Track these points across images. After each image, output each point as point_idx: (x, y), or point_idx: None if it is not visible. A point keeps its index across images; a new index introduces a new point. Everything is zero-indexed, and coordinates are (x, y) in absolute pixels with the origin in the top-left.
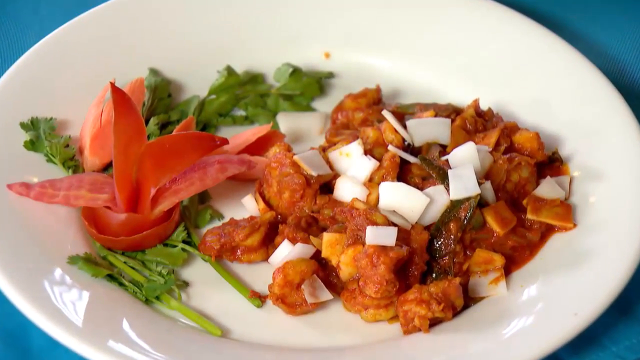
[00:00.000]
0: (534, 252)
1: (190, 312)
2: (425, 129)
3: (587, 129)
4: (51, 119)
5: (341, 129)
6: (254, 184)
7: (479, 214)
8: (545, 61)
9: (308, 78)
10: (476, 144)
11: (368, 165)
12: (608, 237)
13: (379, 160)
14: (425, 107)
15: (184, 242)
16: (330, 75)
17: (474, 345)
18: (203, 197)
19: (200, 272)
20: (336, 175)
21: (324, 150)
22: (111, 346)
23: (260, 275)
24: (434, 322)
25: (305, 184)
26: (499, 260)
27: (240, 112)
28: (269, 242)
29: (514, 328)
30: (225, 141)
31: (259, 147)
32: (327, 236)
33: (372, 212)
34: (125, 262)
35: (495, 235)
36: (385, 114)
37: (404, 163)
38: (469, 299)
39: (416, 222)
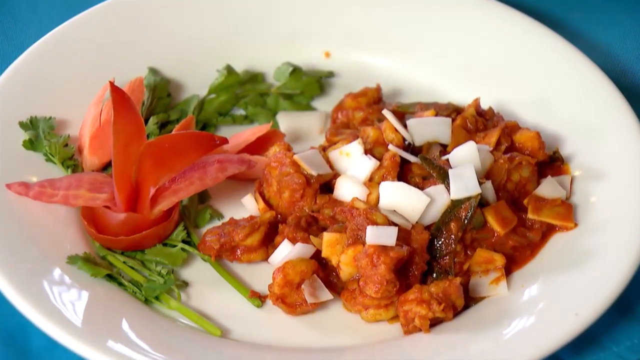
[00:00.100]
0: (535, 252)
1: (189, 312)
2: (426, 129)
3: (588, 128)
4: (50, 118)
5: (341, 128)
6: (253, 183)
7: (480, 213)
8: (546, 60)
9: (308, 77)
10: (477, 143)
11: (368, 164)
12: (609, 237)
13: (379, 159)
14: (425, 106)
15: (183, 241)
16: (331, 74)
17: (474, 346)
18: (203, 197)
19: (199, 272)
20: (336, 175)
21: (324, 149)
22: (110, 346)
23: (260, 275)
24: (434, 322)
25: (305, 183)
26: (499, 260)
27: (240, 112)
28: (268, 242)
29: (514, 328)
30: (225, 140)
31: (258, 146)
32: (327, 236)
33: (372, 212)
34: (124, 262)
35: (496, 235)
36: (386, 113)
37: (404, 162)
38: (470, 299)
39: (417, 222)
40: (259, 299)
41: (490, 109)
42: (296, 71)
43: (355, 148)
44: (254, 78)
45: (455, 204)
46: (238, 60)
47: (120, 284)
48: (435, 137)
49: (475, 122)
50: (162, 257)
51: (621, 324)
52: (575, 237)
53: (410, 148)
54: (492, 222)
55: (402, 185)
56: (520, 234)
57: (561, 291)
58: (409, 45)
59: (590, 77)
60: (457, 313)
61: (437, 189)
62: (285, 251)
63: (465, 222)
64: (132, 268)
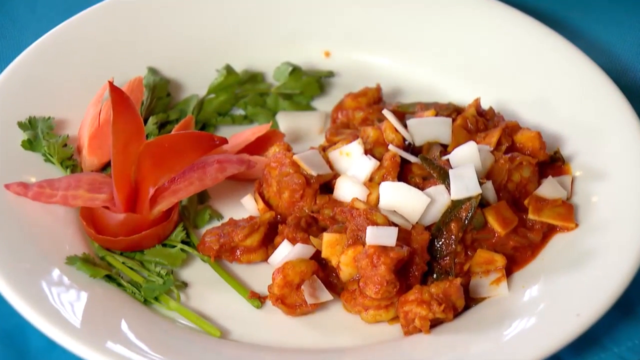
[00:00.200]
0: (536, 253)
1: (189, 312)
2: (426, 129)
3: (589, 128)
4: (49, 118)
5: (341, 128)
6: (253, 183)
7: (480, 214)
8: (546, 60)
9: (308, 77)
10: (477, 143)
11: (368, 164)
12: (610, 237)
13: (380, 159)
14: (426, 106)
15: (182, 242)
16: (330, 74)
17: (475, 346)
18: (202, 197)
19: (199, 273)
20: (336, 175)
21: (324, 149)
22: (109, 347)
23: (260, 275)
24: (434, 323)
25: (305, 183)
26: (500, 260)
27: (240, 112)
28: (268, 243)
29: (515, 329)
30: (224, 141)
31: (258, 146)
32: (327, 236)
33: (372, 212)
34: (123, 263)
35: (496, 235)
36: (386, 113)
37: (404, 163)
38: (470, 299)
39: (417, 222)
40: (258, 299)
41: (491, 108)
42: (296, 71)
43: (355, 148)
44: (254, 78)
45: (456, 205)
46: (237, 60)
47: (120, 285)
48: (435, 137)
49: (476, 122)
50: (162, 258)
51: (622, 324)
52: (576, 238)
53: (411, 148)
54: (493, 222)
55: (402, 185)
56: (521, 234)
57: (562, 292)
58: (409, 45)
59: (591, 77)
60: (457, 314)
61: (437, 189)
62: (285, 252)
63: (466, 222)
64: (131, 269)
